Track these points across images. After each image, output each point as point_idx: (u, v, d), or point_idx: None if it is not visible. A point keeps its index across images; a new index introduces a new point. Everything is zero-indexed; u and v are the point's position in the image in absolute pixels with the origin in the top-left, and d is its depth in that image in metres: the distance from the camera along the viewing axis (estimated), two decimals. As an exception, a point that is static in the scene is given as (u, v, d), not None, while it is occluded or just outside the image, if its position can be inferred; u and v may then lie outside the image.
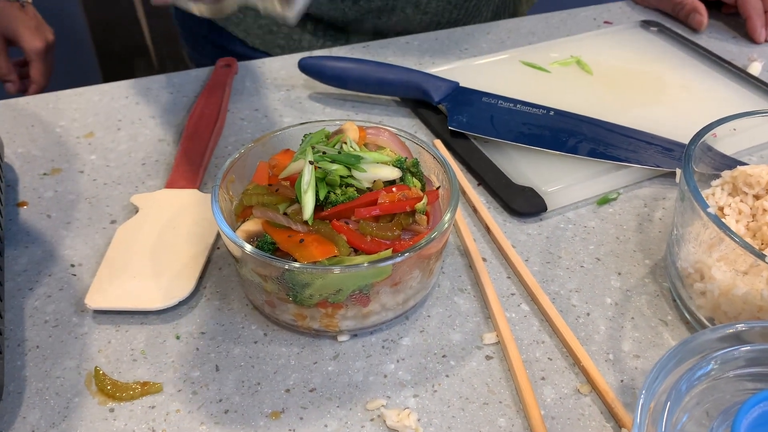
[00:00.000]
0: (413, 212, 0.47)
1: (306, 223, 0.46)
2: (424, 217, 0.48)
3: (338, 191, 0.47)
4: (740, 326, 0.40)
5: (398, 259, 0.43)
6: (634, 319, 0.51)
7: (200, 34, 1.01)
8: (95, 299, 0.50)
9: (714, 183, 0.54)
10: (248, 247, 0.44)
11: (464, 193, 0.61)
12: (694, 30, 0.90)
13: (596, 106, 0.71)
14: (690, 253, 0.48)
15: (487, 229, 0.58)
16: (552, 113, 0.69)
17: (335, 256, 0.44)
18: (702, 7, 0.89)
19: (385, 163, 0.49)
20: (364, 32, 0.91)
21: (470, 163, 0.64)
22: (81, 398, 0.45)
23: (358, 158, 0.48)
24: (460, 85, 0.72)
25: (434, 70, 0.77)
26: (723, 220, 0.51)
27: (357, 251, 0.45)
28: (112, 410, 0.44)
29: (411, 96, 0.72)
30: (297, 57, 0.81)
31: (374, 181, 0.48)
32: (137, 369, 0.47)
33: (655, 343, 0.49)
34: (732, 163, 0.57)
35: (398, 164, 0.49)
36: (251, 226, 0.48)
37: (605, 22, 0.90)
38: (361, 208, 0.45)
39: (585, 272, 0.55)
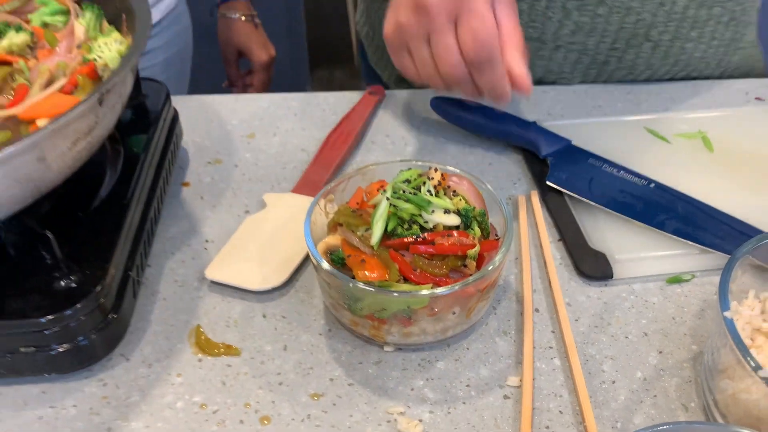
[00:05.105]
0: (464, 256, 0.55)
1: (372, 247, 0.55)
2: (473, 263, 0.55)
3: (405, 226, 0.55)
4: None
5: (430, 293, 0.51)
6: (657, 397, 0.54)
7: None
8: (213, 272, 0.63)
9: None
10: (324, 263, 0.54)
11: (541, 246, 0.67)
12: None
13: (706, 186, 0.72)
14: (718, 344, 0.50)
15: (549, 283, 0.63)
16: (653, 185, 0.71)
17: (386, 280, 0.53)
18: None
19: (451, 210, 0.56)
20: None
21: (556, 219, 0.69)
22: (181, 345, 0.58)
23: (428, 203, 0.56)
24: (573, 143, 0.76)
25: (558, 123, 0.82)
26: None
27: (407, 280, 0.54)
28: (200, 360, 0.57)
29: (524, 146, 0.78)
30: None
31: (437, 223, 0.56)
32: (227, 333, 0.59)
33: (667, 424, 0.52)
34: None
35: (464, 212, 0.57)
36: (333, 240, 0.58)
37: (756, 98, 0.88)
38: (417, 245, 0.54)
39: (627, 343, 0.58)
